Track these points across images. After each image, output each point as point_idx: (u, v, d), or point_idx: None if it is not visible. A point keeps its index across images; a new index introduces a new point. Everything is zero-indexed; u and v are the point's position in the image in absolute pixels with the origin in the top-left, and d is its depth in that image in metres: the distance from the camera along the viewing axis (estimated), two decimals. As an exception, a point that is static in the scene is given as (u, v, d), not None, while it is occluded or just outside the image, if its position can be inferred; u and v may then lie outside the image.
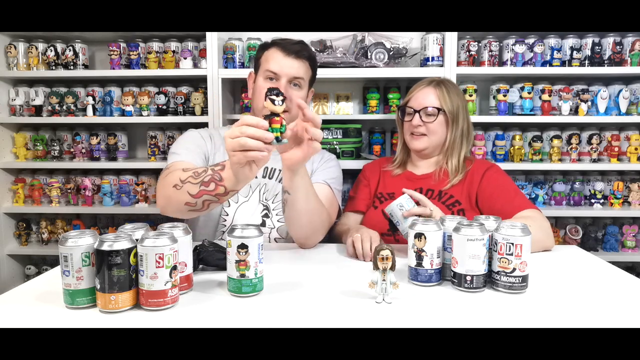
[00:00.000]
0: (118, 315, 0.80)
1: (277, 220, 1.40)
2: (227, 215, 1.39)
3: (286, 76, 1.32)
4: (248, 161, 0.95)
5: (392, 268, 0.85)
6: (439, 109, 1.44)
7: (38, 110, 2.21)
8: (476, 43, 2.02)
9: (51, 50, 2.14)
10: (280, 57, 1.33)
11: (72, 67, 2.14)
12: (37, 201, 2.25)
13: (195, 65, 2.11)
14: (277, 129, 0.94)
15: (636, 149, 2.03)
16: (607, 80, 2.12)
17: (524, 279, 0.90)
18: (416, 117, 1.45)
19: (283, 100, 0.93)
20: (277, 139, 0.94)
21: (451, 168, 1.46)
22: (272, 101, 0.93)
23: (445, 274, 0.97)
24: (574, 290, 0.96)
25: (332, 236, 1.52)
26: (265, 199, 1.41)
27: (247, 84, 1.47)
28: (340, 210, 1.46)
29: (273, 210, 1.41)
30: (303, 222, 1.22)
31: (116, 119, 2.16)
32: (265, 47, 1.40)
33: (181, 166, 1.16)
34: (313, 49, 1.43)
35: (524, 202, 1.36)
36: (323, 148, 1.52)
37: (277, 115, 0.94)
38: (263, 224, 1.40)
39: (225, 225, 1.39)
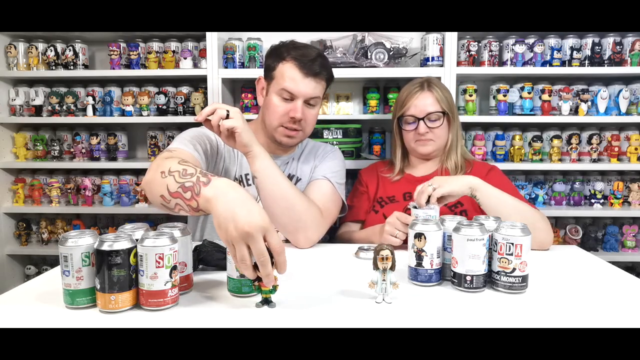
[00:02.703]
0: (118, 315, 0.80)
1: None
2: None
3: (303, 97, 1.29)
4: None
5: (392, 268, 0.85)
6: (443, 112, 1.45)
7: (38, 110, 2.21)
8: (476, 43, 2.02)
9: (51, 50, 2.14)
10: (298, 78, 1.27)
11: (72, 67, 2.14)
12: (37, 201, 2.25)
13: (195, 65, 2.11)
14: (266, 291, 0.82)
15: (636, 149, 2.03)
16: (607, 80, 2.12)
17: (524, 279, 0.90)
18: (422, 125, 1.44)
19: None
20: (265, 300, 0.83)
21: (451, 166, 1.47)
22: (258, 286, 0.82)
23: (445, 274, 0.97)
24: (574, 290, 0.96)
25: (333, 237, 1.51)
26: None
27: (256, 89, 1.41)
28: (345, 205, 1.41)
29: None
30: (280, 208, 1.18)
31: (116, 119, 2.16)
32: (280, 56, 1.30)
33: (182, 156, 1.10)
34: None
35: (525, 202, 1.36)
36: None
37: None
38: None
39: None
